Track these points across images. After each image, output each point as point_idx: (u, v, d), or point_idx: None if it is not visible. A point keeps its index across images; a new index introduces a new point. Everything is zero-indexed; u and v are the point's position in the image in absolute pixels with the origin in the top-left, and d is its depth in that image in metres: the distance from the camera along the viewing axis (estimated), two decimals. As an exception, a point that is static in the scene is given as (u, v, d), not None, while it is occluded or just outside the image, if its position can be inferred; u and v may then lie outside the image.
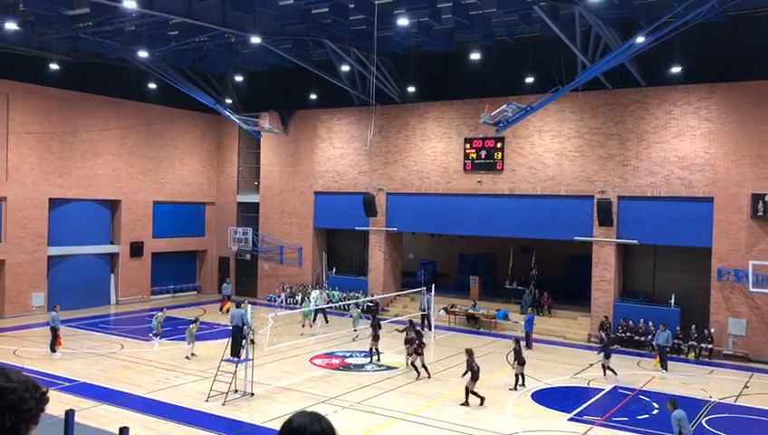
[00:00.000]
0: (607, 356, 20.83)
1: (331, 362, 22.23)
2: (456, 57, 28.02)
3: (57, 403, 16.78)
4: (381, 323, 23.72)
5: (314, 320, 27.89)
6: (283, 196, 35.62)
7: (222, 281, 34.78)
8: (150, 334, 24.48)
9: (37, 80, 29.10)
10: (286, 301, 33.56)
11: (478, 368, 17.59)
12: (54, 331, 22.30)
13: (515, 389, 19.05)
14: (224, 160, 38.37)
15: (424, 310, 27.36)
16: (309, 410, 2.63)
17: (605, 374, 20.72)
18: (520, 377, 19.34)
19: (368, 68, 28.07)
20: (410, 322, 22.14)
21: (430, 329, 26.52)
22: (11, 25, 22.75)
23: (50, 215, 30.30)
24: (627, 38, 21.72)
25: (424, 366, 20.11)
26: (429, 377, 19.96)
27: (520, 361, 19.33)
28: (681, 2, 18.84)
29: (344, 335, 26.10)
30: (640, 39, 20.40)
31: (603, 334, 23.46)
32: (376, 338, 22.26)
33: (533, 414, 17.15)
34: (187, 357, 22.07)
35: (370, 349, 22.22)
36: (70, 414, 7.98)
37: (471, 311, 29.28)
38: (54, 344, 22.28)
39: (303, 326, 26.10)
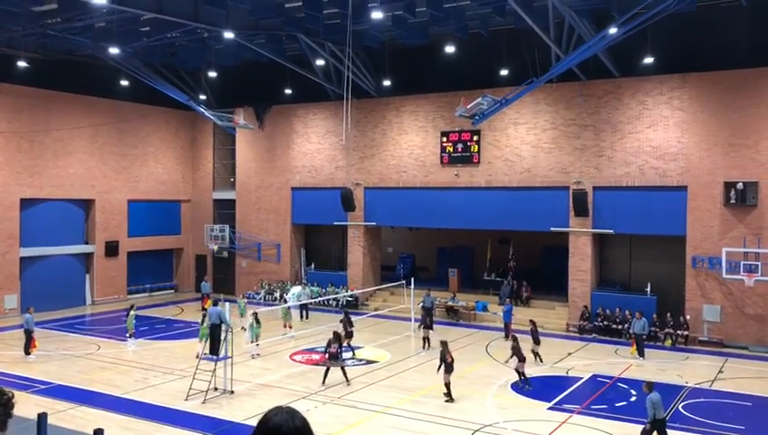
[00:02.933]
0: (537, 342, 21.28)
1: (312, 358, 22.16)
2: (431, 50, 28.00)
3: (32, 406, 16.56)
4: (352, 318, 23.67)
5: (301, 316, 27.78)
6: (259, 192, 35.39)
7: (200, 279, 34.48)
8: (126, 335, 24.16)
9: (5, 78, 28.55)
10: (265, 298, 33.38)
11: (452, 360, 17.58)
12: (29, 333, 21.94)
13: (528, 385, 18.54)
14: (199, 157, 38.00)
15: (429, 308, 26.88)
16: (285, 405, 2.60)
17: (539, 360, 21.26)
18: (522, 373, 18.92)
19: (343, 62, 27.93)
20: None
21: (431, 328, 26.00)
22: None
23: (21, 215, 29.78)
24: (600, 29, 21.86)
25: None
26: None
27: (520, 357, 18.82)
28: (653, -8, 18.99)
29: (325, 331, 25.99)
30: (613, 30, 20.54)
31: (530, 322, 22.50)
32: (349, 335, 22.09)
33: (514, 404, 17.25)
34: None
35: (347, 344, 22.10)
36: (42, 417, 7.81)
37: (450, 303, 29.37)
38: (29, 347, 21.92)
39: (285, 326, 25.66)
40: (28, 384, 18.65)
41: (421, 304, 26.98)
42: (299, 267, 34.88)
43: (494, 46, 26.86)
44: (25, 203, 29.97)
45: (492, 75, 27.39)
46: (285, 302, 28.21)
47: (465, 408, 16.74)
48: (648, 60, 24.75)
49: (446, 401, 17.14)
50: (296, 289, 29.98)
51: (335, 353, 18.57)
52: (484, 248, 32.57)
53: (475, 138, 29.03)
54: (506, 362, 19.67)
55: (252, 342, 22.22)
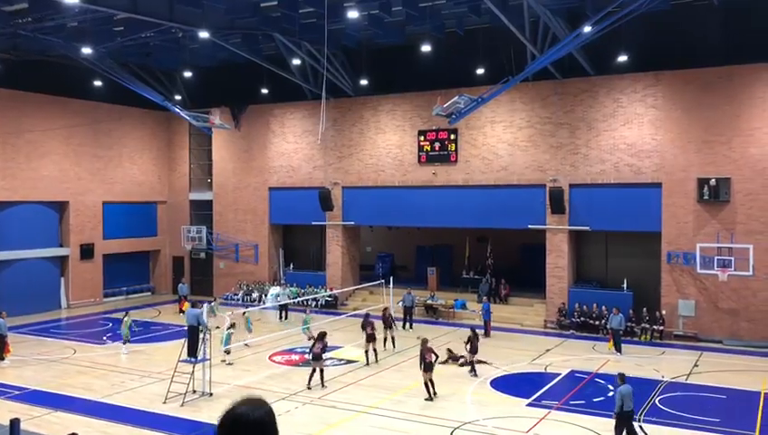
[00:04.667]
0: (473, 352, 20.14)
1: (291, 359, 22.09)
2: (408, 49, 28.06)
3: (6, 412, 16.32)
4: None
5: (280, 317, 27.62)
6: (236, 192, 35.18)
7: (177, 281, 34.18)
8: (120, 342, 23.60)
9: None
10: (243, 298, 33.20)
11: (436, 357, 17.67)
12: (1, 338, 21.59)
13: (476, 375, 19.35)
14: (175, 158, 37.66)
15: (409, 307, 27.08)
16: (253, 396, 2.60)
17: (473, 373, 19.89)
18: (473, 365, 19.65)
19: (319, 61, 27.87)
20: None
21: (411, 327, 26.49)
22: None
23: (-6, 218, 29.30)
24: (574, 28, 22.05)
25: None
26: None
27: (473, 350, 19.79)
28: (626, -9, 19.21)
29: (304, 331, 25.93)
30: (587, 29, 20.73)
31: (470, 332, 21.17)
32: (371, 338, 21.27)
33: (493, 401, 17.34)
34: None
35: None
36: (15, 424, 7.73)
37: (429, 302, 29.45)
38: (2, 352, 21.57)
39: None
40: (2, 390, 18.35)
41: (401, 302, 27.10)
42: (277, 268, 34.73)
43: (470, 45, 26.96)
44: (-2, 206, 29.49)
45: (468, 74, 27.50)
46: (264, 303, 28.04)
47: (445, 406, 16.80)
48: (623, 58, 25.03)
49: (426, 399, 17.19)
50: (275, 290, 29.82)
51: (318, 354, 18.46)
52: (462, 247, 32.70)
53: (452, 136, 29.13)
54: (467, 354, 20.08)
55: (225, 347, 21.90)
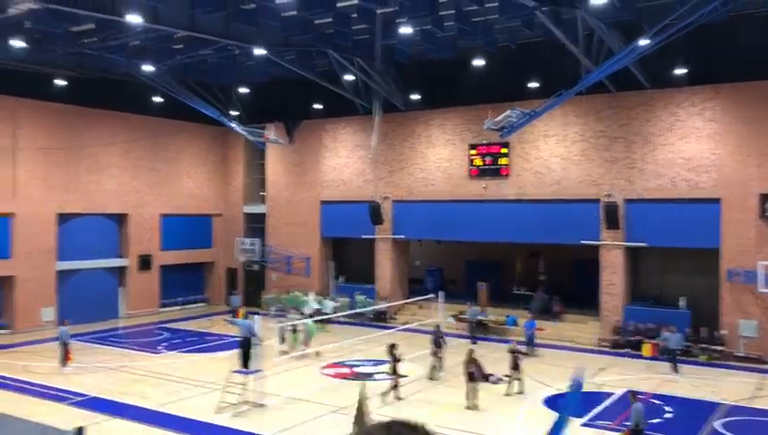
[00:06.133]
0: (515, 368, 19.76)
1: (341, 372, 22.20)
2: (459, 64, 28.03)
3: (70, 418, 16.88)
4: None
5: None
6: (289, 206, 35.68)
7: (231, 293, 34.79)
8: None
9: (44, 96, 29.31)
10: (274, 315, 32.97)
11: (477, 371, 17.73)
12: (64, 345, 22.38)
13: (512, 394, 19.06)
14: (230, 172, 38.48)
15: (473, 322, 26.96)
16: (399, 420, 2.06)
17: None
18: (516, 382, 19.33)
19: (371, 77, 28.14)
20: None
21: (474, 342, 25.75)
22: (18, 43, 22.95)
23: (58, 230, 30.45)
24: (630, 41, 21.69)
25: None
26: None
27: (514, 366, 19.48)
28: (684, 3, 18.84)
29: (353, 344, 26.07)
30: (643, 42, 20.38)
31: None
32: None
33: (546, 420, 17.04)
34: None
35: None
36: (80, 433, 8.01)
37: (480, 318, 29.18)
38: (65, 359, 22.34)
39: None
40: (65, 396, 19.00)
41: (467, 316, 27.06)
42: (328, 280, 35.01)
43: (522, 59, 26.82)
44: (62, 217, 30.63)
45: (520, 88, 27.35)
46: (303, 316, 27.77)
47: (497, 422, 16.63)
48: (680, 71, 24.50)
49: (466, 407, 17.38)
50: (312, 301, 29.77)
51: (394, 366, 18.54)
52: (513, 262, 32.36)
53: (504, 150, 28.95)
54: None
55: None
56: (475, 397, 17.67)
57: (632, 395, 14.58)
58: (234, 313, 30.97)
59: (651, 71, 25.25)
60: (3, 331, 28.54)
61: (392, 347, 18.89)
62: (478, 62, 26.31)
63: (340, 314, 30.03)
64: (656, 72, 25.28)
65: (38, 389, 19.83)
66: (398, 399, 18.50)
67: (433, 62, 28.72)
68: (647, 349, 24.29)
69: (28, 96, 28.90)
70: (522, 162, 28.70)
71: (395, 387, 18.57)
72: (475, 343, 25.54)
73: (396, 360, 18.66)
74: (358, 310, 30.01)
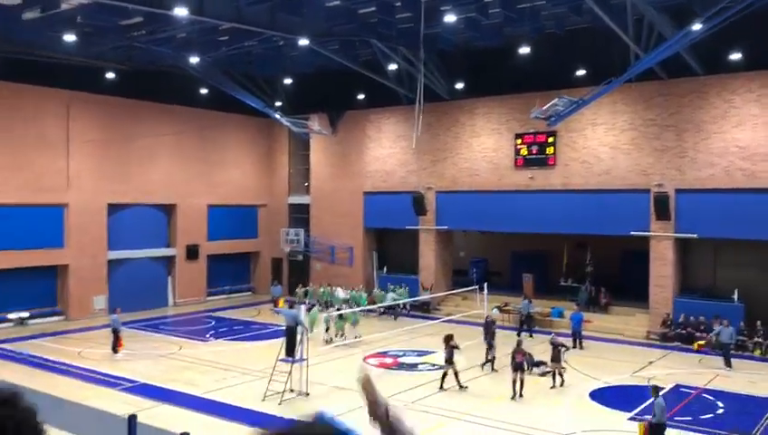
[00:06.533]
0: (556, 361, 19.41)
1: (385, 362, 22.23)
2: (505, 51, 27.64)
3: (121, 404, 17.30)
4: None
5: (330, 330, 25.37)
6: (333, 196, 35.82)
7: (272, 283, 35.14)
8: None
9: (95, 89, 29.99)
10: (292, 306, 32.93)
11: (522, 360, 18.01)
12: (116, 332, 22.95)
13: (562, 385, 18.88)
14: (274, 163, 38.83)
15: (523, 316, 26.74)
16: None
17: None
18: (556, 375, 19.03)
19: (415, 66, 27.96)
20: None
21: (531, 334, 25.43)
22: (69, 37, 23.52)
23: (109, 220, 31.23)
24: (681, 26, 21.05)
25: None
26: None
27: (555, 359, 19.24)
28: (739, -14, 18.17)
29: (397, 335, 26.10)
30: (696, 26, 19.74)
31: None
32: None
33: (592, 414, 16.78)
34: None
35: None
36: (132, 420, 8.16)
37: (531, 310, 28.78)
38: (116, 346, 22.91)
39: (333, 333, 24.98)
40: (116, 382, 19.50)
41: (520, 309, 26.82)
42: (371, 271, 35.08)
43: (570, 46, 26.30)
44: (113, 208, 31.40)
45: (568, 75, 26.82)
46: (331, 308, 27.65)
47: (541, 415, 16.42)
48: (735, 56, 23.68)
49: (511, 397, 17.57)
50: (340, 293, 29.72)
51: (450, 357, 18.51)
52: (559, 253, 31.86)
53: (551, 139, 28.48)
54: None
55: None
56: (521, 387, 17.61)
57: (654, 390, 14.29)
58: (274, 302, 31.36)
59: (704, 56, 24.45)
60: (57, 318, 29.44)
61: (449, 338, 18.86)
62: (524, 50, 25.90)
63: (394, 302, 30.01)
64: (709, 58, 24.47)
65: (91, 374, 20.39)
66: (462, 388, 18.52)
67: (478, 51, 28.40)
68: (697, 345, 23.62)
69: (80, 89, 29.60)
70: (569, 151, 28.19)
71: (455, 375, 18.58)
72: (531, 335, 25.24)
73: (453, 348, 18.62)
74: (391, 302, 30.03)
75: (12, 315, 27.97)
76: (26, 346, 24.29)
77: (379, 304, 30.45)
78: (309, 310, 24.18)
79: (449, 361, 18.58)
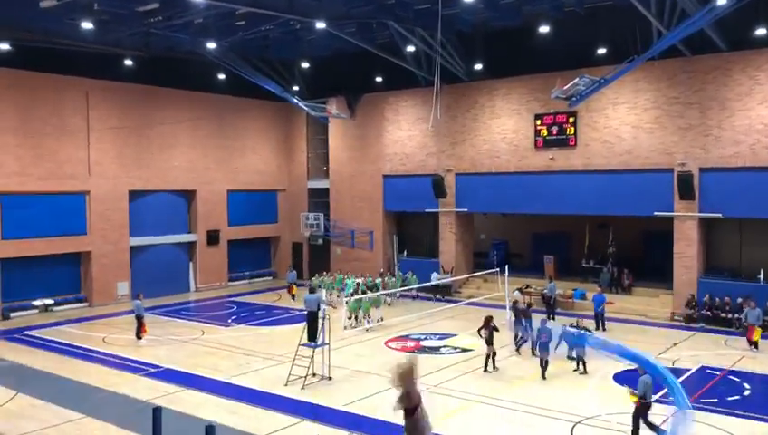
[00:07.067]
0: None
1: (407, 345, 22.24)
2: (524, 31, 27.24)
3: (145, 389, 17.45)
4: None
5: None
6: (352, 180, 35.74)
7: (295, 267, 35.18)
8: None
9: (113, 76, 30.06)
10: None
11: (547, 341, 18.16)
12: (139, 318, 23.16)
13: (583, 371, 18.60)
14: (293, 147, 38.80)
15: (549, 298, 26.43)
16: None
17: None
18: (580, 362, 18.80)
19: (433, 47, 27.68)
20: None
21: (553, 317, 24.78)
22: (87, 24, 23.55)
23: (130, 206, 31.45)
24: (705, 1, 20.55)
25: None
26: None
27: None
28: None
29: (418, 318, 26.08)
30: (721, 1, 19.26)
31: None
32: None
33: (616, 396, 16.65)
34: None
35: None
36: (157, 412, 8.20)
37: (546, 292, 28.62)
38: (140, 332, 23.13)
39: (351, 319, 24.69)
40: (140, 368, 19.70)
41: (545, 291, 26.62)
42: (391, 254, 35.05)
43: (590, 24, 25.85)
44: (133, 194, 31.60)
45: (588, 55, 26.39)
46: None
47: (565, 398, 16.33)
48: (761, 31, 23.12)
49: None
50: (351, 282, 29.53)
51: (489, 338, 18.62)
52: (581, 234, 31.57)
53: (572, 120, 28.12)
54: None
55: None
56: (545, 369, 17.92)
57: (640, 367, 14.09)
58: (288, 288, 31.42)
59: (728, 32, 23.93)
60: (81, 304, 29.79)
61: (489, 319, 18.87)
62: (544, 29, 25.50)
63: (412, 287, 29.95)
64: (733, 34, 23.94)
65: (116, 360, 20.62)
66: (495, 369, 18.70)
67: (496, 31, 28.04)
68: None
69: (99, 77, 29.70)
70: (590, 132, 27.82)
71: (492, 356, 18.73)
72: (553, 318, 24.82)
73: (493, 330, 18.67)
74: (410, 286, 29.98)
75: (37, 302, 28.37)
76: (52, 333, 24.64)
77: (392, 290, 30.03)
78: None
79: (489, 342, 18.62)
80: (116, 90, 30.61)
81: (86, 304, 29.95)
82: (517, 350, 20.76)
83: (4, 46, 25.73)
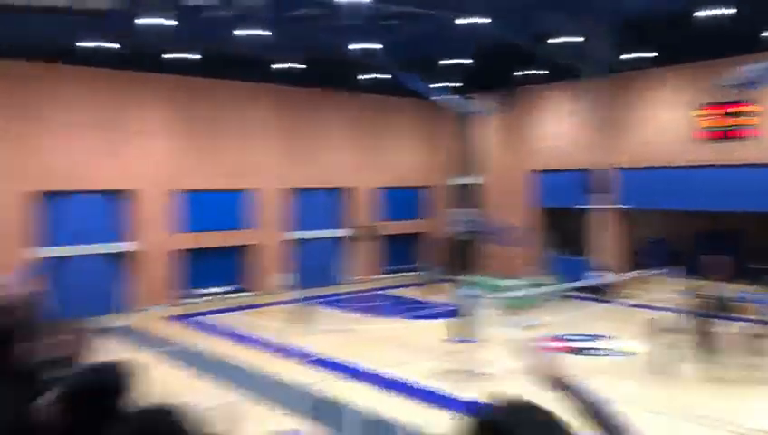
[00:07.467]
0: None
1: (560, 346, 21.73)
2: (690, 17, 25.52)
3: (301, 376, 18.39)
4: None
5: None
6: (501, 176, 35.39)
7: (445, 263, 35.43)
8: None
9: (275, 80, 31.95)
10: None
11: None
12: (303, 308, 24.38)
13: None
14: (442, 144, 39.06)
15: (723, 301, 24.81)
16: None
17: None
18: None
19: (588, 38, 26.69)
20: None
21: None
22: (255, 32, 25.07)
23: (293, 203, 33.53)
24: None
25: None
26: None
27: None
28: None
29: (571, 318, 25.40)
30: None
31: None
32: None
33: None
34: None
35: None
36: (318, 403, 8.51)
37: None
38: (306, 322, 24.27)
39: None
40: (302, 355, 20.80)
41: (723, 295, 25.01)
42: (544, 252, 34.28)
43: (765, 5, 23.73)
44: (295, 192, 33.70)
45: (762, 38, 24.26)
46: None
47: (759, 411, 15.15)
48: None
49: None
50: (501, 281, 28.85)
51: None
52: (756, 233, 29.08)
53: (743, 110, 26.04)
54: None
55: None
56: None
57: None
58: (437, 283, 31.73)
59: None
60: (248, 293, 32.10)
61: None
62: (712, 12, 23.76)
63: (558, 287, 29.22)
64: None
65: (279, 347, 21.89)
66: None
67: (660, 18, 26.48)
68: None
69: (250, 79, 31.59)
70: (765, 122, 25.59)
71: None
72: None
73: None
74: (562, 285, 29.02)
75: (211, 290, 31.00)
76: (225, 319, 26.69)
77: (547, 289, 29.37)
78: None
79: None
80: (278, 93, 32.71)
81: (253, 293, 32.18)
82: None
83: (196, 56, 27.86)
